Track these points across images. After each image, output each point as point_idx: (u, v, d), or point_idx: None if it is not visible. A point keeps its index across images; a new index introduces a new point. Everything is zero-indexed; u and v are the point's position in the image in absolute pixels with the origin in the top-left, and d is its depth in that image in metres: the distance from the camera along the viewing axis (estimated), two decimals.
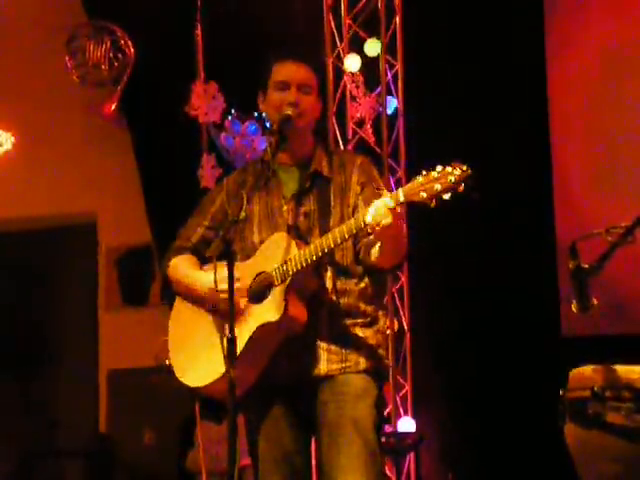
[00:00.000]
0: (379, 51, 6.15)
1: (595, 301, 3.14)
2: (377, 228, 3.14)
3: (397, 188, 6.25)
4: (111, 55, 6.52)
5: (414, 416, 5.99)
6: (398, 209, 3.13)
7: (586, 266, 3.15)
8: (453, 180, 3.03)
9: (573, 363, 3.35)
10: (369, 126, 6.15)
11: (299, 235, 3.44)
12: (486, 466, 5.83)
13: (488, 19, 6.02)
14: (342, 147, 6.13)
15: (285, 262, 3.32)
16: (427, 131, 5.98)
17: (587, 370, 3.28)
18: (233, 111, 6.32)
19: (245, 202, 3.46)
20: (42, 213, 7.80)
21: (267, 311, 3.33)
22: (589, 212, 5.77)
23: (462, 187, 3.03)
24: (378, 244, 3.26)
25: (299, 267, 3.29)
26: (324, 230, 3.36)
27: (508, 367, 5.76)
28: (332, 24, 6.30)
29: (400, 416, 5.96)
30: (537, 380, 5.40)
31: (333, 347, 3.41)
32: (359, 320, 3.46)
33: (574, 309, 3.17)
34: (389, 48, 6.17)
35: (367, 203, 3.27)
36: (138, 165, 7.16)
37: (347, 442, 3.34)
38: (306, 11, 6.25)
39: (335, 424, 3.37)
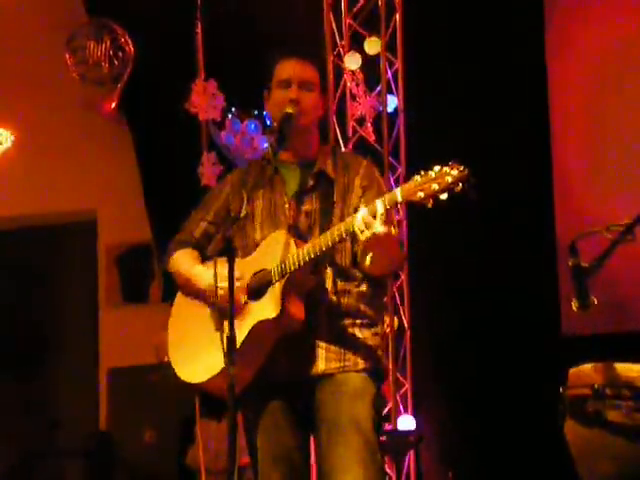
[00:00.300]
0: (379, 49, 6.16)
1: (595, 299, 3.14)
2: (364, 235, 3.14)
3: (397, 186, 6.28)
4: (111, 53, 6.53)
5: (414, 414, 6.00)
6: (382, 222, 3.11)
7: (586, 264, 3.15)
8: (450, 180, 3.04)
9: (573, 362, 3.35)
10: (369, 124, 6.15)
11: (299, 233, 3.44)
12: (486, 464, 5.83)
13: (488, 18, 6.02)
14: (342, 145, 6.14)
15: (284, 260, 3.32)
16: (427, 129, 5.98)
17: (587, 368, 3.28)
18: (233, 109, 6.32)
19: (245, 200, 3.48)
20: (42, 211, 7.81)
21: (265, 308, 3.33)
22: (589, 211, 5.77)
23: (460, 187, 3.03)
24: (370, 252, 3.27)
25: (297, 265, 3.30)
26: (324, 230, 3.36)
27: (508, 366, 5.76)
28: (332, 22, 6.30)
29: (400, 414, 5.97)
30: (537, 378, 5.40)
31: (332, 346, 3.41)
32: (358, 321, 3.46)
33: (574, 307, 3.16)
34: (389, 46, 6.17)
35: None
36: (138, 163, 7.16)
37: (346, 441, 3.34)
38: (306, 9, 6.25)
39: (333, 423, 3.37)
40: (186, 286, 3.56)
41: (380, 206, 3.12)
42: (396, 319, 6.00)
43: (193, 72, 6.24)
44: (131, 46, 6.53)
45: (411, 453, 5.95)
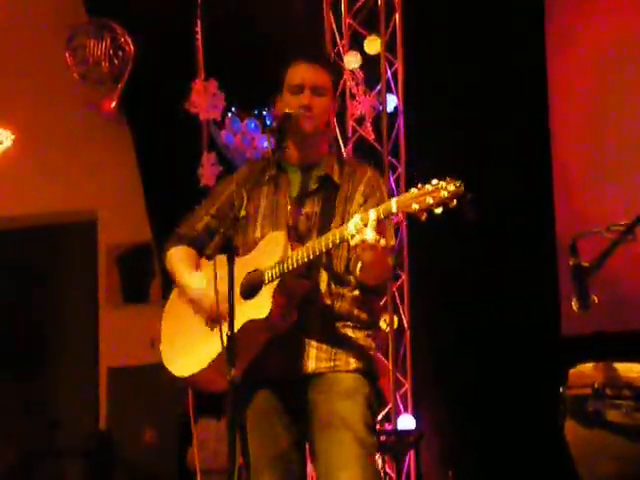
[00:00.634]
0: (379, 49, 6.16)
1: (595, 299, 3.14)
2: (354, 241, 3.15)
3: (397, 186, 6.29)
4: (111, 53, 6.53)
5: (414, 414, 6.00)
6: (373, 229, 3.12)
7: (586, 264, 3.16)
8: (446, 195, 3.04)
9: (573, 361, 3.36)
10: (369, 124, 6.15)
11: (298, 235, 3.45)
12: (486, 464, 5.83)
13: (488, 19, 6.02)
14: (342, 145, 6.14)
15: (278, 262, 3.33)
16: (427, 129, 5.98)
17: (587, 368, 3.29)
18: (233, 109, 6.33)
19: (245, 200, 3.49)
20: (42, 211, 7.80)
21: (256, 308, 3.34)
22: (589, 211, 5.77)
23: (454, 203, 3.03)
24: (360, 260, 3.28)
25: (290, 268, 3.31)
26: (322, 233, 3.37)
27: (508, 365, 5.76)
28: (332, 22, 6.30)
29: (400, 414, 5.97)
30: (537, 378, 5.40)
31: (323, 346, 3.42)
32: (351, 323, 3.47)
33: (574, 307, 3.17)
34: (389, 46, 6.17)
35: None
36: (138, 163, 7.16)
37: (339, 441, 3.35)
38: (306, 9, 6.25)
39: (326, 422, 3.38)
40: (177, 285, 3.61)
41: (373, 214, 3.14)
42: (396, 318, 6.01)
43: (193, 72, 6.24)
44: (131, 45, 6.54)
45: (411, 453, 5.95)
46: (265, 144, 6.19)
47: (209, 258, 3.27)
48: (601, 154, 5.97)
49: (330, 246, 3.26)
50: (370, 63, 6.21)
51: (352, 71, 6.18)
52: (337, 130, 6.22)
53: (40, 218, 7.88)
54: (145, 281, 7.58)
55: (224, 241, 3.22)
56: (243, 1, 6.25)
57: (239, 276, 3.36)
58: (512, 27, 5.99)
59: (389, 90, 6.18)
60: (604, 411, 3.19)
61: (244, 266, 3.40)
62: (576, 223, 5.70)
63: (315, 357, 3.41)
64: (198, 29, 6.21)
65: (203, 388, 3.56)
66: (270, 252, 3.38)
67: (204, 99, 6.17)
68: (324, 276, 3.44)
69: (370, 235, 3.13)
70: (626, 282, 5.55)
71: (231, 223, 3.32)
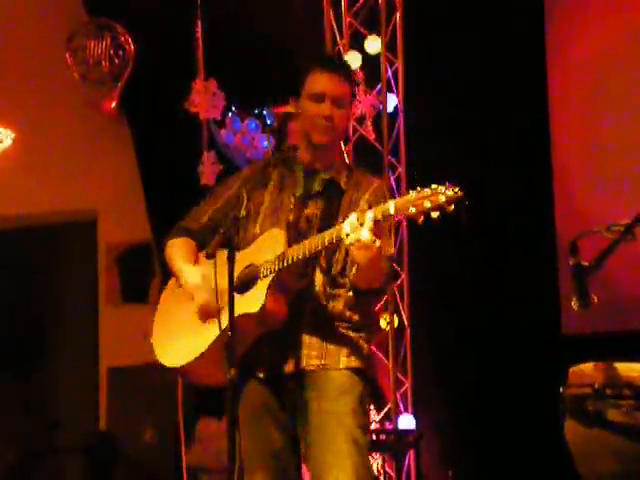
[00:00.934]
0: (379, 48, 6.16)
1: (595, 299, 3.15)
2: (348, 239, 3.15)
3: (397, 186, 6.29)
4: (111, 52, 6.53)
5: (414, 413, 6.00)
6: (369, 230, 3.12)
7: (586, 263, 3.16)
8: (443, 199, 3.04)
9: (573, 361, 3.36)
10: (369, 123, 6.16)
11: (298, 235, 3.46)
12: (486, 463, 5.83)
13: (488, 19, 6.02)
14: (343, 145, 6.13)
15: (273, 258, 3.34)
16: (427, 129, 5.99)
17: (587, 367, 3.29)
18: (233, 108, 6.33)
19: (245, 200, 3.50)
20: (42, 210, 7.80)
21: (247, 302, 3.35)
22: (589, 211, 5.77)
23: (451, 208, 3.03)
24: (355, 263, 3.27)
25: (285, 265, 3.32)
26: None
27: (508, 365, 5.77)
28: (332, 21, 6.30)
29: (400, 413, 5.97)
30: (537, 378, 5.41)
31: (314, 343, 3.43)
32: (344, 324, 3.48)
33: (574, 306, 3.17)
34: (389, 45, 6.18)
35: None
36: (138, 162, 7.16)
37: (330, 438, 3.36)
38: (306, 8, 6.25)
39: (318, 420, 3.39)
40: (175, 278, 3.62)
41: (370, 215, 3.14)
42: (396, 317, 6.01)
43: (193, 72, 6.24)
44: (131, 45, 6.54)
45: (411, 453, 5.95)
46: (265, 143, 6.20)
47: (209, 257, 3.28)
48: (601, 154, 5.97)
49: (326, 244, 3.26)
50: (370, 62, 6.21)
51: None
52: None
53: (40, 218, 7.87)
54: (145, 281, 7.57)
55: (224, 241, 3.23)
56: (243, 1, 6.25)
57: (235, 270, 3.37)
58: (512, 27, 5.99)
59: (389, 90, 6.18)
60: (604, 411, 3.19)
61: (240, 261, 3.40)
62: (576, 223, 5.69)
63: (306, 355, 3.42)
64: (198, 29, 6.21)
65: (195, 381, 3.57)
66: (267, 248, 3.40)
67: (204, 99, 6.17)
68: (320, 278, 3.45)
69: (365, 235, 3.13)
70: (626, 282, 5.55)
71: (231, 223, 3.34)
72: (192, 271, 3.53)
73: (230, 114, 6.31)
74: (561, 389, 3.32)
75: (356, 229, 3.14)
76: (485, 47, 5.99)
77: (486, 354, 5.85)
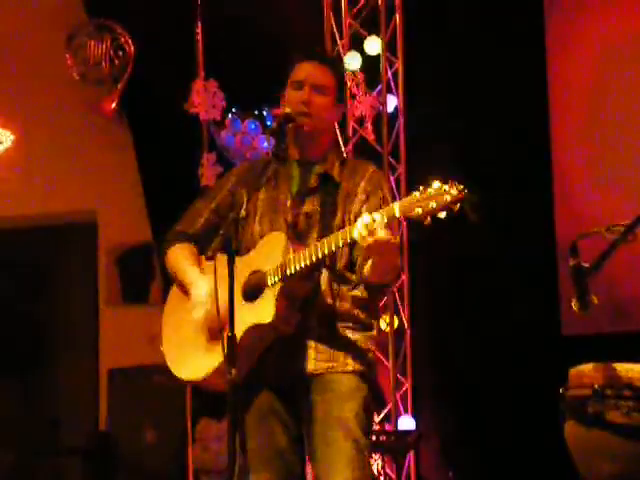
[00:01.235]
0: (379, 49, 6.16)
1: (595, 299, 3.14)
2: (365, 241, 3.13)
3: (397, 186, 6.28)
4: (111, 53, 6.53)
5: (414, 414, 6.00)
6: (383, 228, 3.10)
7: (586, 264, 3.16)
8: (449, 199, 3.01)
9: (573, 362, 3.36)
10: (369, 124, 6.15)
11: (297, 234, 3.44)
12: (487, 464, 5.83)
13: (488, 18, 6.02)
14: (343, 145, 6.14)
15: (281, 264, 3.32)
16: (427, 129, 5.98)
17: (587, 368, 3.29)
18: (233, 109, 6.33)
19: (245, 200, 3.49)
20: (42, 211, 7.80)
21: (260, 312, 3.33)
22: (589, 211, 5.77)
23: (458, 207, 3.02)
24: (371, 259, 3.26)
25: (292, 271, 3.30)
26: (323, 232, 3.37)
27: (508, 365, 5.76)
28: (332, 22, 6.30)
29: (400, 414, 5.97)
30: (537, 379, 5.40)
31: (321, 347, 3.42)
32: (350, 324, 3.46)
33: (574, 307, 3.17)
34: (389, 46, 6.17)
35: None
36: (138, 163, 7.16)
37: (334, 442, 3.35)
38: (306, 9, 6.25)
39: (323, 423, 3.38)
40: (180, 285, 3.57)
41: (379, 216, 3.12)
42: (396, 318, 6.00)
43: (193, 72, 6.24)
44: (131, 45, 6.54)
45: (411, 453, 5.95)
46: (265, 144, 6.20)
47: (209, 259, 3.27)
48: (601, 154, 5.97)
49: (333, 249, 3.24)
50: (370, 63, 6.21)
51: (352, 71, 6.18)
52: (337, 130, 6.22)
53: (40, 218, 7.87)
54: (145, 281, 7.57)
55: (224, 243, 3.22)
56: (243, 1, 6.24)
57: (240, 275, 3.35)
58: (512, 27, 5.98)
59: (389, 90, 6.18)
60: (604, 411, 3.19)
61: (245, 265, 3.39)
62: (576, 223, 5.69)
63: (314, 358, 3.41)
64: (198, 29, 6.21)
65: (208, 389, 3.53)
66: (271, 253, 3.37)
67: (204, 99, 6.17)
68: (325, 274, 3.43)
69: (382, 233, 3.10)
70: (626, 282, 5.55)
71: (231, 224, 3.32)
72: (199, 281, 3.47)
73: (230, 115, 6.31)
74: (561, 390, 3.33)
75: (372, 230, 3.10)
76: (485, 47, 5.99)
77: (486, 355, 5.84)
